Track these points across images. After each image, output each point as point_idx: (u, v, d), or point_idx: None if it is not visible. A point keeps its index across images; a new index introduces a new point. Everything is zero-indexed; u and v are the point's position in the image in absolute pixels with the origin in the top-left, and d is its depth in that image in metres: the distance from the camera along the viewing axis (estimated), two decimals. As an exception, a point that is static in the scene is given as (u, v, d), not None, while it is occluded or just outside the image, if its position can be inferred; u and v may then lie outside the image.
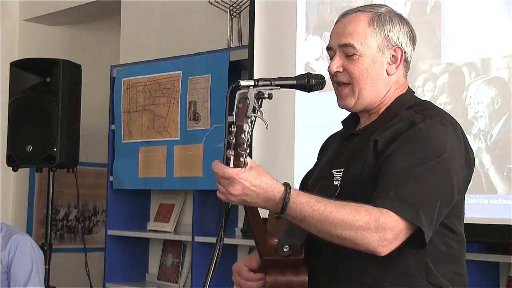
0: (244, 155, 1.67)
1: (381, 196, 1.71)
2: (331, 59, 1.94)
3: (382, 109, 1.93)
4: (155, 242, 4.65)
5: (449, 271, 1.83)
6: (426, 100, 1.99)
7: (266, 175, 1.71)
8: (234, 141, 1.66)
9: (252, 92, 1.73)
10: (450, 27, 2.98)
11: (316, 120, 3.37)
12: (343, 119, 2.06)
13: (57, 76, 4.36)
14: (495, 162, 2.81)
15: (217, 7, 4.22)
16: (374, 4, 2.02)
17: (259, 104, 1.75)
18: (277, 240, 1.83)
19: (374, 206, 1.68)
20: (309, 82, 1.90)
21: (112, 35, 5.47)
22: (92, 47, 5.82)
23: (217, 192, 1.72)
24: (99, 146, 5.25)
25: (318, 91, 1.93)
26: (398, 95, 1.94)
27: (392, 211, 1.67)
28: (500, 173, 2.81)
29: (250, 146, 1.76)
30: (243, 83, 1.77)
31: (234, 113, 1.72)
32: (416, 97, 1.99)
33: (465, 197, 1.90)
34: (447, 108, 2.88)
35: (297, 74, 2.01)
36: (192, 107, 4.16)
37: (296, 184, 2.12)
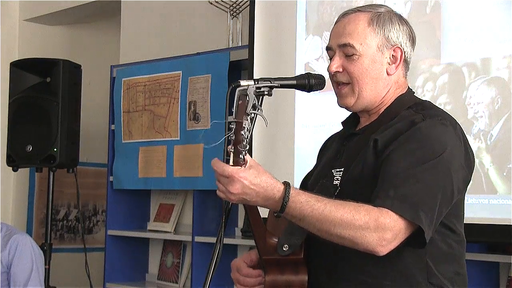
0: (244, 152, 1.67)
1: (381, 195, 1.71)
2: (330, 59, 1.94)
3: (382, 109, 1.93)
4: (155, 242, 4.65)
5: (449, 271, 1.83)
6: (426, 100, 1.99)
7: (265, 173, 1.71)
8: (233, 138, 1.66)
9: (252, 90, 1.73)
10: (450, 27, 2.98)
11: (316, 120, 3.37)
12: (343, 119, 2.06)
13: (57, 76, 4.36)
14: (495, 162, 2.81)
15: (217, 7, 4.22)
16: (374, 4, 2.02)
17: (259, 101, 1.75)
18: (276, 240, 1.83)
19: (374, 206, 1.68)
20: (309, 82, 1.90)
21: (112, 35, 5.47)
22: (92, 47, 5.82)
23: (217, 191, 1.72)
24: (99, 146, 5.25)
25: (318, 91, 1.93)
26: (398, 95, 1.94)
27: (392, 211, 1.67)
28: (500, 173, 2.81)
29: (250, 145, 1.76)
30: (243, 83, 1.77)
31: (233, 110, 1.72)
32: (416, 97, 1.99)
33: (465, 197, 1.90)
34: (447, 108, 2.88)
35: (297, 74, 2.01)
36: (192, 107, 4.16)
37: (296, 184, 2.12)
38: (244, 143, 1.67)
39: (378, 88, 1.91)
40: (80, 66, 4.52)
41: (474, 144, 2.80)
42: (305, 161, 3.15)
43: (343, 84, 1.92)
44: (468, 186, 1.88)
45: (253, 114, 1.71)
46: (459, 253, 1.87)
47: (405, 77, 1.97)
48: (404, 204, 1.68)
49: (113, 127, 4.59)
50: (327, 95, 2.19)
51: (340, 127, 2.07)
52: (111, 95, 4.61)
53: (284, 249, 1.82)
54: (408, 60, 1.96)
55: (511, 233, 2.73)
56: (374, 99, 1.92)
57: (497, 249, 2.99)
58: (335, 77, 1.92)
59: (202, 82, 4.11)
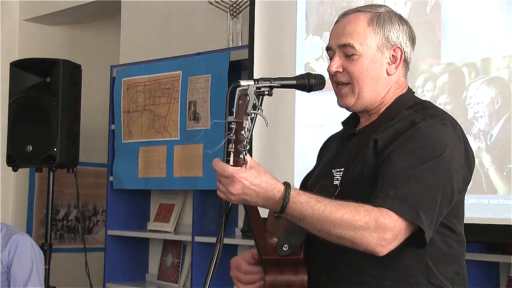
0: (244, 152, 1.67)
1: (381, 195, 1.71)
2: (330, 59, 1.94)
3: (382, 109, 1.93)
4: (155, 242, 4.65)
5: (449, 271, 1.83)
6: (426, 100, 1.99)
7: (266, 174, 1.71)
8: (234, 137, 1.66)
9: (252, 89, 1.73)
10: (450, 27, 2.98)
11: (316, 120, 3.37)
12: (343, 119, 2.06)
13: (57, 76, 4.36)
14: (495, 162, 2.81)
15: (217, 7, 4.22)
16: (374, 4, 2.02)
17: (259, 101, 1.75)
18: (276, 240, 1.83)
19: (374, 206, 1.68)
20: (309, 82, 1.90)
21: (112, 35, 5.47)
22: (92, 47, 5.82)
23: (217, 191, 1.72)
24: (99, 146, 5.25)
25: (318, 91, 1.93)
26: (398, 95, 1.94)
27: (392, 211, 1.67)
28: (500, 173, 2.81)
29: (250, 145, 1.75)
30: (243, 83, 1.77)
31: (234, 109, 1.72)
32: (416, 97, 1.99)
33: (465, 197, 1.90)
34: (447, 108, 2.88)
35: (297, 74, 2.01)
36: (192, 107, 4.16)
37: (296, 184, 2.12)
38: (245, 143, 1.67)
39: (378, 88, 1.91)
40: (80, 66, 4.52)
41: (474, 144, 2.80)
42: (305, 161, 3.15)
43: (343, 84, 1.92)
44: (468, 186, 1.88)
45: (253, 114, 1.71)
46: (459, 253, 1.87)
47: (405, 77, 1.97)
48: (404, 204, 1.68)
49: (113, 127, 4.59)
50: (327, 95, 2.19)
51: (340, 127, 2.07)
52: (111, 95, 4.61)
53: (284, 249, 1.82)
54: (408, 60, 1.96)
55: (511, 233, 2.73)
56: (374, 99, 1.92)
57: (497, 249, 2.99)
58: (335, 77, 1.92)
59: (202, 82, 4.11)
